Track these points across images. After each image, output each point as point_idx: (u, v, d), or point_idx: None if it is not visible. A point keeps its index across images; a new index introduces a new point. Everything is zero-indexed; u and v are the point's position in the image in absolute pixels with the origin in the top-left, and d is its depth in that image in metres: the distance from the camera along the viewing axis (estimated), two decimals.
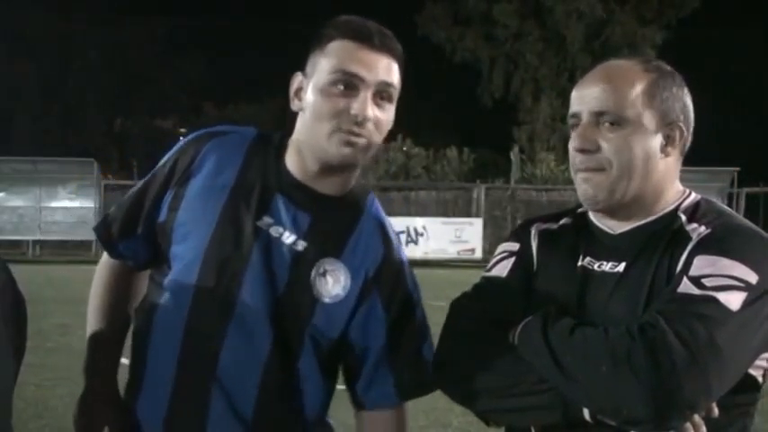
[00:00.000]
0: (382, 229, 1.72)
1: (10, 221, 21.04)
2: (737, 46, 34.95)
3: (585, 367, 1.33)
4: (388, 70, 1.60)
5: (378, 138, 1.62)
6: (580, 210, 1.63)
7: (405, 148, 26.74)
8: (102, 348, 1.80)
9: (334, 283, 1.63)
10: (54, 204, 21.41)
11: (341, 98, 1.57)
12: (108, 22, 35.66)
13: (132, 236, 1.75)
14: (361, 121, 1.56)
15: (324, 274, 1.62)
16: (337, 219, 1.67)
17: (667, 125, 1.50)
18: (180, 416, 1.62)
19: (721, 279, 1.34)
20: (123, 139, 37.90)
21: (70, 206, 21.40)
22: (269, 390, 1.62)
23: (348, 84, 1.56)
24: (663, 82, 1.50)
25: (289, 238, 1.62)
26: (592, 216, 1.59)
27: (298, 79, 1.66)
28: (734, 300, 1.32)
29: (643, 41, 29.87)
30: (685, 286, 1.35)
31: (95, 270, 1.89)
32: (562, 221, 1.64)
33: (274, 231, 1.62)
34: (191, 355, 1.62)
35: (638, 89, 1.47)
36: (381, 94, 1.59)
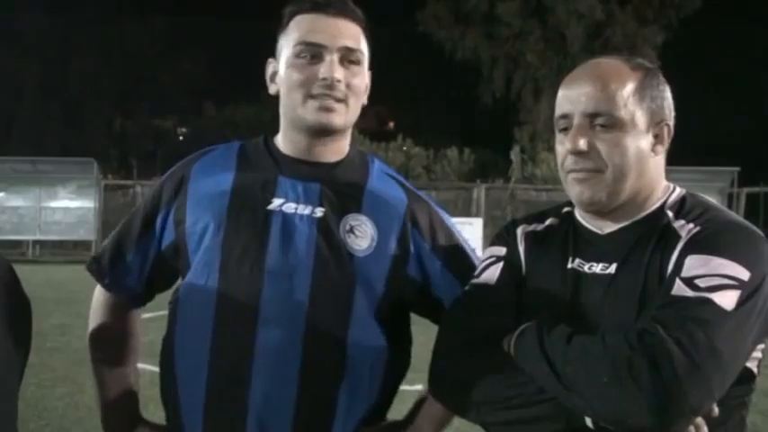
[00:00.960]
0: (395, 179, 1.78)
1: (10, 221, 20.99)
2: (738, 46, 34.90)
3: (586, 378, 1.30)
4: (350, 34, 1.64)
5: (354, 100, 1.65)
6: (566, 209, 1.62)
7: (405, 148, 26.67)
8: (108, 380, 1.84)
9: (363, 236, 1.65)
10: (54, 204, 21.36)
11: (308, 67, 1.62)
12: (108, 22, 35.63)
13: (123, 262, 1.77)
14: (330, 84, 1.60)
15: (351, 230, 1.65)
16: (346, 179, 1.70)
17: (656, 124, 1.49)
18: (218, 414, 1.60)
19: (714, 279, 1.32)
20: (123, 139, 37.87)
21: (70, 206, 21.35)
22: (313, 378, 1.58)
23: (313, 53, 1.61)
24: (650, 81, 1.50)
25: (305, 209, 1.64)
26: (578, 216, 1.57)
27: (271, 65, 1.72)
28: (728, 299, 1.31)
29: (643, 42, 29.80)
30: (679, 288, 1.33)
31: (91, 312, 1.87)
32: (548, 222, 1.62)
33: (288, 208, 1.64)
34: (222, 353, 1.60)
35: (628, 89, 1.46)
36: (348, 58, 1.63)
